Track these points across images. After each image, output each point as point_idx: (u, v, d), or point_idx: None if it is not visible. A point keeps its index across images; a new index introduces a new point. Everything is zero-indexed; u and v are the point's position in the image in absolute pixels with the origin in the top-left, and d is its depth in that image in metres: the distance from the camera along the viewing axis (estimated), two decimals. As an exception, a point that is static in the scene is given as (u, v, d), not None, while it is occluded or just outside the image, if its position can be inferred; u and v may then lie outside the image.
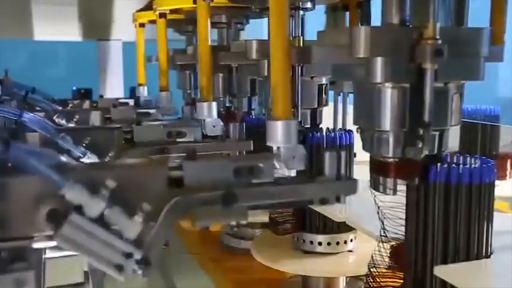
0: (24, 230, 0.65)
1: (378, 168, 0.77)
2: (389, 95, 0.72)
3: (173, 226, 0.70)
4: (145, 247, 0.66)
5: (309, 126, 1.21)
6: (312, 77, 1.19)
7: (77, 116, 1.32)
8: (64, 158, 0.97)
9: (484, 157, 0.84)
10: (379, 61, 0.71)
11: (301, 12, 1.11)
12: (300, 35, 1.08)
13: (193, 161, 0.73)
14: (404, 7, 0.73)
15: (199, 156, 0.74)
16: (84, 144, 1.04)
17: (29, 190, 0.65)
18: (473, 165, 0.81)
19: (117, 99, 1.87)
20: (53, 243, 0.65)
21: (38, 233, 0.66)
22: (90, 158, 1.04)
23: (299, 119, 1.14)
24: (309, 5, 1.11)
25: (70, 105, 1.69)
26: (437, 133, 0.74)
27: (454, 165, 0.78)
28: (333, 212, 1.11)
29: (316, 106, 1.20)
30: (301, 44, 1.09)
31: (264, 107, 1.28)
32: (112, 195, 0.65)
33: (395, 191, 0.77)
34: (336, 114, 1.49)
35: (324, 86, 1.20)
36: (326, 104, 1.23)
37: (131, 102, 1.86)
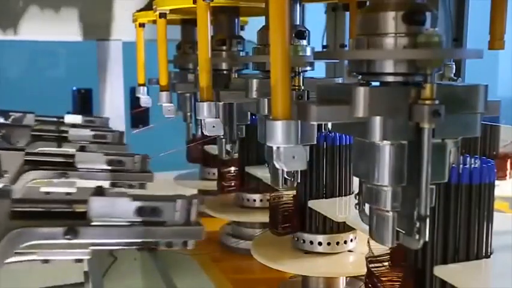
0: None
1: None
2: (387, 152, 0.72)
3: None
4: None
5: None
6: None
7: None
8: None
9: (484, 157, 0.84)
10: (377, 120, 0.71)
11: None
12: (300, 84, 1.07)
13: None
14: (401, 64, 0.72)
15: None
16: None
17: None
18: (473, 165, 0.81)
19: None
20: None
21: None
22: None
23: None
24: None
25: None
26: (434, 187, 0.73)
27: (453, 165, 0.78)
28: (333, 212, 1.11)
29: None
30: (301, 83, 1.08)
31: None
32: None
33: None
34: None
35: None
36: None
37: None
